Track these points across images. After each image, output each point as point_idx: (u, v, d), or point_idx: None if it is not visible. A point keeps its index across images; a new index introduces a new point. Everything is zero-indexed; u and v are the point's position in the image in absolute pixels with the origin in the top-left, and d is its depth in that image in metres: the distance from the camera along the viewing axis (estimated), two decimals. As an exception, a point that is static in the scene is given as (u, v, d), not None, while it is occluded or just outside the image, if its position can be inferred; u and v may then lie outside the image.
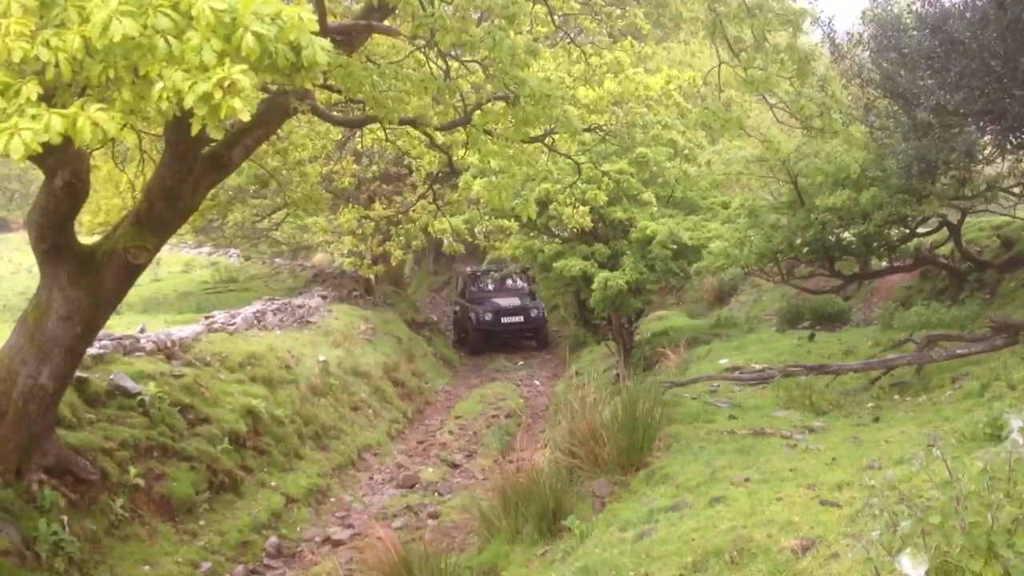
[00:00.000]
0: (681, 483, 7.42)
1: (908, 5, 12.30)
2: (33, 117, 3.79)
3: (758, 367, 12.92)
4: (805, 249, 14.58)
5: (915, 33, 11.49)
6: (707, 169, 16.36)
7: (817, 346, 14.46)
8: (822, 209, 13.41)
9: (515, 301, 28.82)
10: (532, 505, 8.07)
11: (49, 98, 4.15)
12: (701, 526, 6.02)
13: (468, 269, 31.11)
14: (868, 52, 12.87)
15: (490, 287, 30.04)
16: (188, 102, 3.79)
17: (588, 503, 8.08)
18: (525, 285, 29.34)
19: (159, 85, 3.87)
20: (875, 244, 14.54)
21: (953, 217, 14.72)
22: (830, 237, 14.27)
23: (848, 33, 13.03)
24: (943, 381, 10.06)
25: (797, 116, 10.33)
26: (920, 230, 15.02)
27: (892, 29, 11.89)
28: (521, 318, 28.54)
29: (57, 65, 3.94)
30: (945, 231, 15.18)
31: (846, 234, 14.61)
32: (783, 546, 5.07)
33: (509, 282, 29.72)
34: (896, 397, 10.29)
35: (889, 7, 12.56)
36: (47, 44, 3.91)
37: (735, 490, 6.73)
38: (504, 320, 28.31)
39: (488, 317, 28.23)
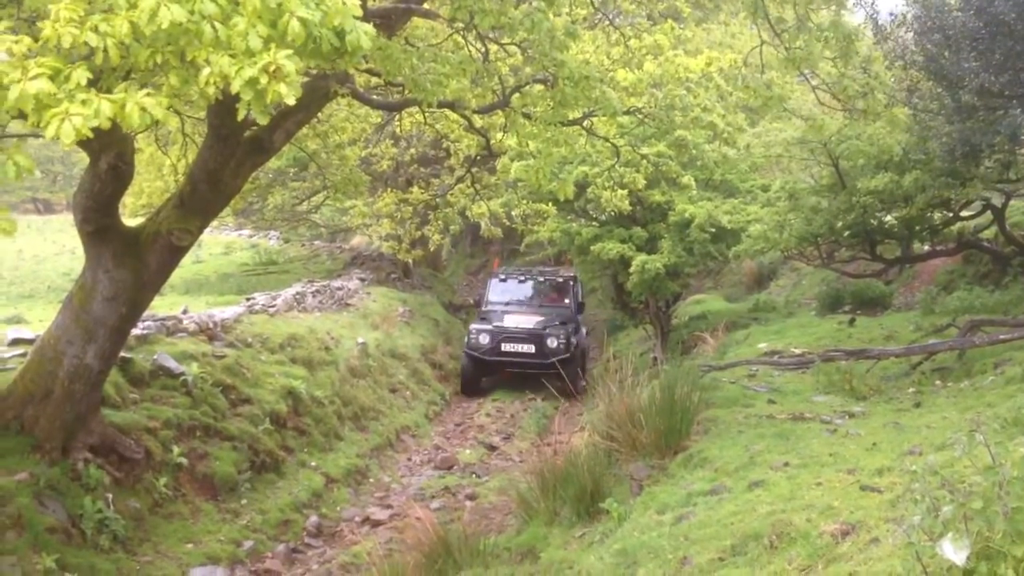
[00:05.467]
0: (719, 467, 7.41)
1: (953, -14, 12.12)
2: (83, 102, 3.85)
3: (797, 351, 12.86)
4: (846, 233, 14.47)
5: (959, 14, 11.31)
6: (746, 152, 16.27)
7: (858, 331, 14.36)
8: (864, 192, 13.29)
9: (528, 322, 20.35)
10: (570, 487, 8.10)
11: (95, 82, 4.20)
12: (740, 510, 6.02)
13: (494, 272, 23.48)
14: (912, 33, 12.70)
15: (514, 297, 21.94)
16: (235, 87, 3.83)
17: (626, 486, 8.09)
18: (570, 301, 21.51)
19: (206, 70, 3.91)
20: (917, 228, 14.41)
21: (997, 200, 14.52)
22: (871, 220, 14.15)
23: (891, 14, 12.85)
24: (985, 366, 9.96)
25: (840, 97, 10.24)
26: (963, 214, 14.84)
27: (936, 10, 11.71)
28: (531, 347, 19.70)
29: (105, 50, 3.99)
30: (989, 215, 14.99)
31: (888, 217, 14.47)
32: (823, 531, 5.06)
33: (546, 293, 22.06)
34: (938, 382, 10.21)
35: (934, -13, 12.37)
36: (96, 30, 3.97)
37: (774, 474, 6.72)
38: (506, 348, 19.87)
39: (484, 340, 19.87)
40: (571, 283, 21.70)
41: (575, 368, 19.10)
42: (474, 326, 20.48)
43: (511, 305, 21.46)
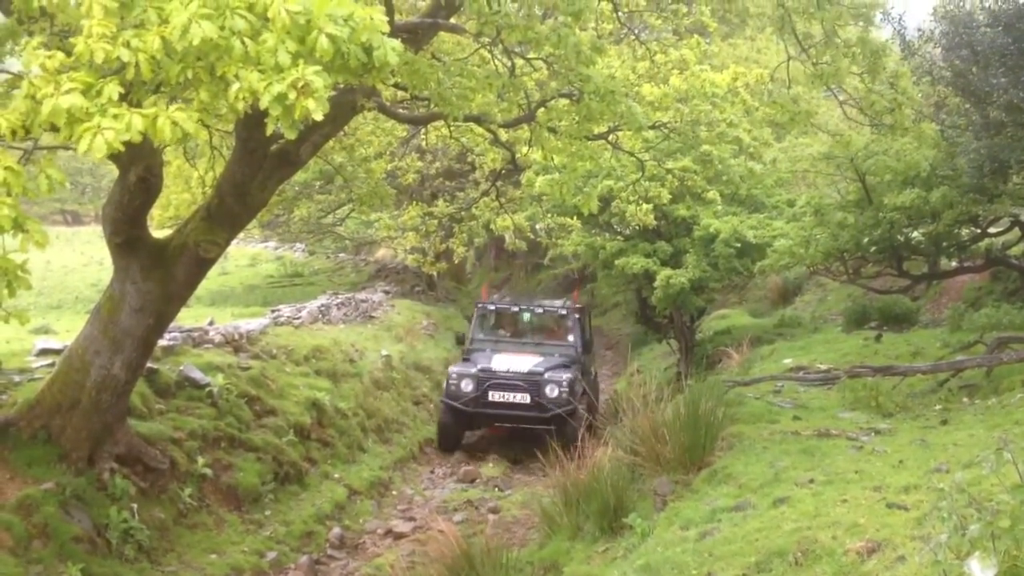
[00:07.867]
0: (744, 483, 7.38)
1: (981, 2, 12.07)
2: (115, 116, 3.91)
3: (823, 367, 12.79)
4: (872, 248, 14.37)
5: (988, 30, 11.26)
6: (772, 167, 16.22)
7: (884, 347, 14.25)
8: (890, 208, 13.21)
9: (523, 364, 16.05)
10: (593, 502, 8.09)
11: (125, 96, 4.26)
12: (764, 527, 5.99)
13: (481, 302, 18.41)
14: (939, 49, 12.65)
15: (505, 333, 18.09)
16: (264, 103, 3.87)
17: (649, 501, 8.07)
18: (575, 338, 17.42)
19: (235, 86, 3.96)
20: (945, 244, 14.29)
21: (1025, 217, 14.41)
22: (898, 236, 14.06)
23: (919, 30, 12.80)
24: (1013, 384, 9.85)
25: (867, 112, 10.21)
26: (991, 230, 14.71)
27: (964, 26, 11.67)
28: (526, 397, 15.54)
29: (137, 65, 4.05)
30: (1017, 231, 14.85)
31: (915, 233, 14.37)
32: (848, 548, 5.03)
33: (546, 328, 18.35)
34: (965, 400, 10.11)
35: (961, 3, 12.33)
36: (128, 45, 4.02)
37: (799, 491, 6.68)
38: (495, 397, 15.60)
39: (467, 388, 15.60)
40: (576, 316, 17.82)
41: (581, 421, 13.29)
42: (454, 369, 16.18)
43: (501, 343, 17.44)
